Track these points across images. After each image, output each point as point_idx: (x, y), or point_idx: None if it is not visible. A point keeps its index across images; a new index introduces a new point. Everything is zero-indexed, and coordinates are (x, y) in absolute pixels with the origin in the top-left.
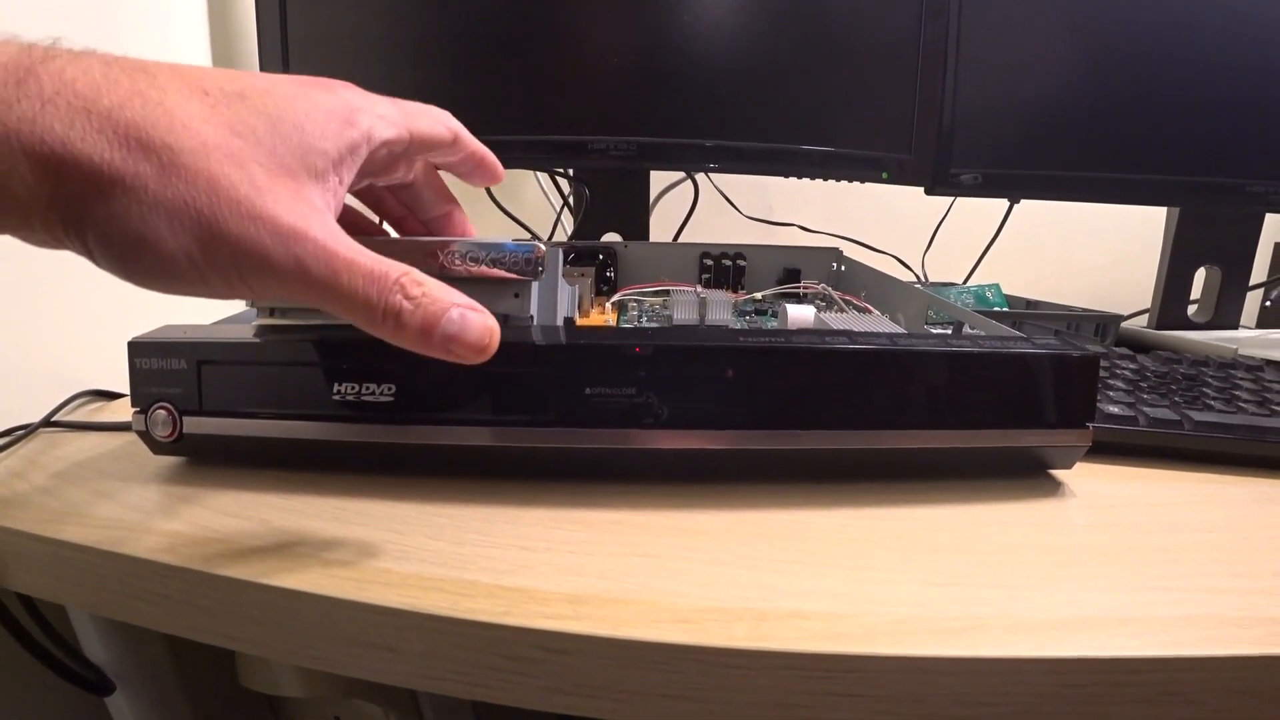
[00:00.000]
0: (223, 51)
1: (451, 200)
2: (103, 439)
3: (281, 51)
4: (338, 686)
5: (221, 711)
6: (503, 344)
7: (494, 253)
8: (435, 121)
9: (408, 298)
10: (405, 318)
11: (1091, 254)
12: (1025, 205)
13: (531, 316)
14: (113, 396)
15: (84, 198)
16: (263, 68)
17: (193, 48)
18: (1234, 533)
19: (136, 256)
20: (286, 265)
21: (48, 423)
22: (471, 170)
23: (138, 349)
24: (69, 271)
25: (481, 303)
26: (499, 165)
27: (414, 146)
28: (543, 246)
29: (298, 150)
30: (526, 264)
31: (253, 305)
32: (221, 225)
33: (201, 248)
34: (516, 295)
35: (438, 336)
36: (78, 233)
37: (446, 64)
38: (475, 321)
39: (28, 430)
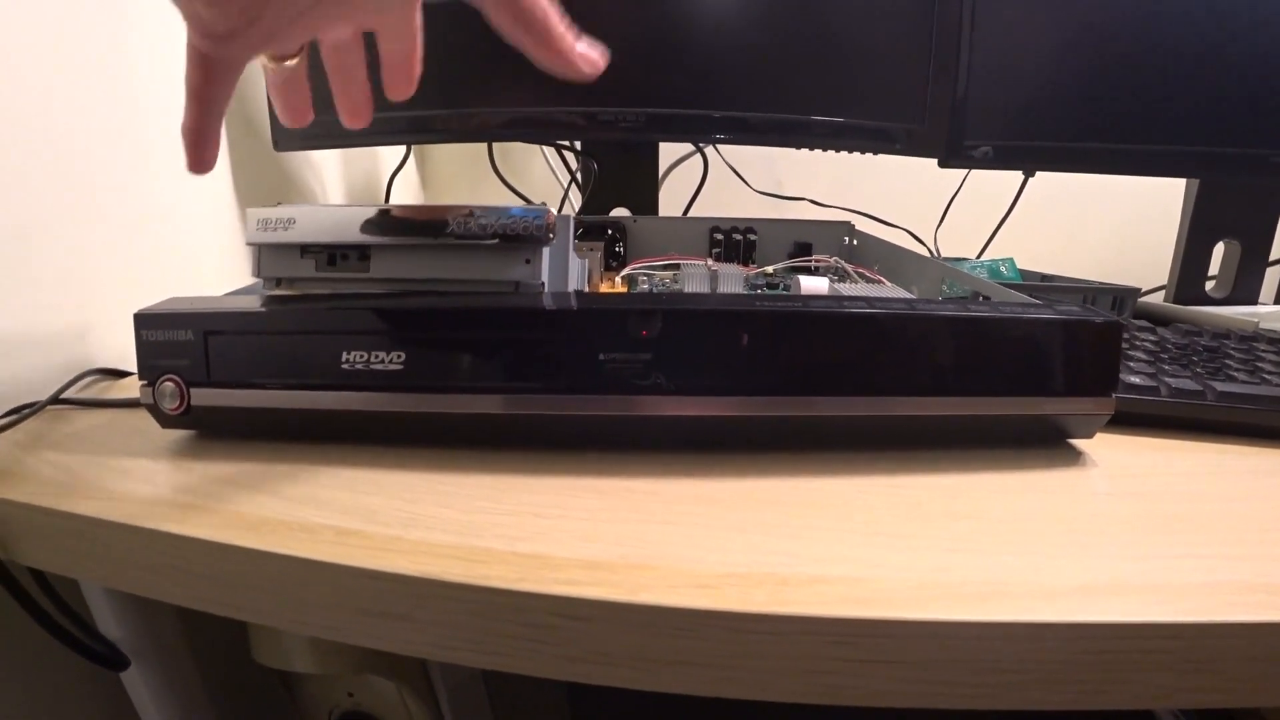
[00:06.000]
0: None
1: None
2: (111, 415)
3: None
4: (350, 662)
5: (235, 688)
6: (514, 309)
7: (505, 217)
8: None
9: None
10: None
11: (1108, 228)
12: (1041, 178)
13: (543, 283)
14: (120, 375)
15: None
16: None
17: None
18: (1259, 502)
19: None
20: None
21: (55, 400)
22: (398, 63)
23: (144, 321)
24: (77, 249)
25: (493, 268)
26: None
27: None
28: (554, 211)
29: None
30: (538, 229)
31: (259, 276)
32: None
33: None
34: (528, 261)
35: None
36: None
37: (448, 35)
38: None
39: (35, 408)
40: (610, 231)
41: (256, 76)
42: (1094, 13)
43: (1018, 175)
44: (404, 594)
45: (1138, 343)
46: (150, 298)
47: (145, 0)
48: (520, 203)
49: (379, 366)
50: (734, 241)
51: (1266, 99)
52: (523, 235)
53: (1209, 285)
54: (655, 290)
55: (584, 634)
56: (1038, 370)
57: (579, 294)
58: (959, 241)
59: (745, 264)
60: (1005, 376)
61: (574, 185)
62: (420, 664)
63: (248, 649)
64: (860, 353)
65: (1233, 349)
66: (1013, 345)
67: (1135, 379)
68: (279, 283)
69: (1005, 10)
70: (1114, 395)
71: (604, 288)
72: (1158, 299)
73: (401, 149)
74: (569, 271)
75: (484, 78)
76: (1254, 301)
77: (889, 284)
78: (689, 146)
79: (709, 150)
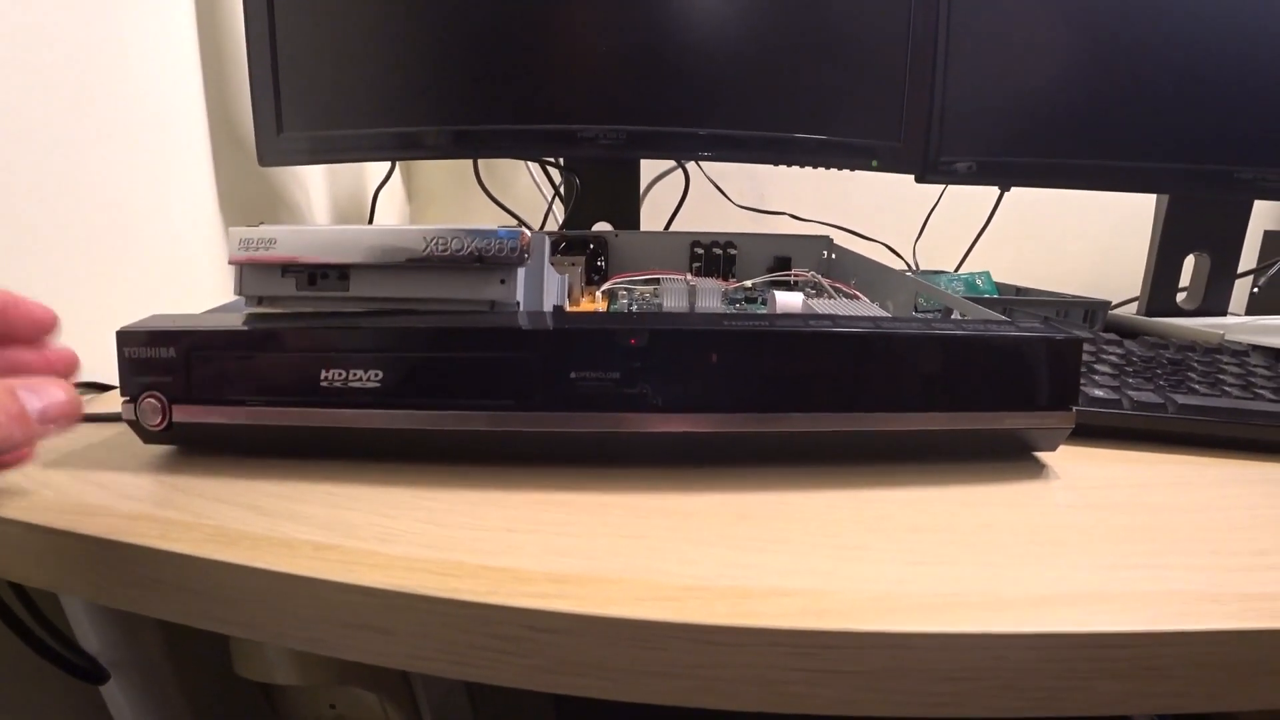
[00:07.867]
0: (211, 46)
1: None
2: (94, 430)
3: (270, 44)
4: (332, 674)
5: (217, 701)
6: (489, 329)
7: (479, 239)
8: None
9: None
10: None
11: (1083, 241)
12: (1017, 193)
13: (518, 303)
14: (105, 389)
15: None
16: (251, 63)
17: (182, 37)
18: (1215, 512)
19: None
20: None
21: None
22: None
23: (126, 338)
24: (62, 263)
25: (467, 289)
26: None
27: None
28: (528, 233)
29: None
30: (512, 250)
31: (241, 294)
32: None
33: None
34: (503, 281)
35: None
36: None
37: (433, 52)
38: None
39: None
40: (592, 246)
41: (241, 85)
42: (1068, 32)
43: (995, 190)
44: (380, 607)
45: (1104, 355)
46: (136, 312)
47: (133, 13)
48: (505, 217)
49: (357, 384)
50: (714, 256)
51: (1233, 117)
52: (497, 257)
53: (1180, 297)
54: (635, 305)
55: (551, 645)
56: (1000, 386)
57: (552, 313)
58: (938, 254)
59: (725, 278)
60: (969, 392)
61: (557, 200)
62: (402, 675)
63: (229, 661)
64: (826, 370)
65: (1196, 361)
66: (976, 362)
67: (1099, 392)
68: (260, 301)
69: (980, 28)
70: (1074, 409)
71: (585, 302)
72: (1132, 310)
73: (387, 163)
74: (546, 288)
75: (469, 94)
76: (1224, 312)
77: (864, 299)
78: (671, 162)
79: (690, 166)
